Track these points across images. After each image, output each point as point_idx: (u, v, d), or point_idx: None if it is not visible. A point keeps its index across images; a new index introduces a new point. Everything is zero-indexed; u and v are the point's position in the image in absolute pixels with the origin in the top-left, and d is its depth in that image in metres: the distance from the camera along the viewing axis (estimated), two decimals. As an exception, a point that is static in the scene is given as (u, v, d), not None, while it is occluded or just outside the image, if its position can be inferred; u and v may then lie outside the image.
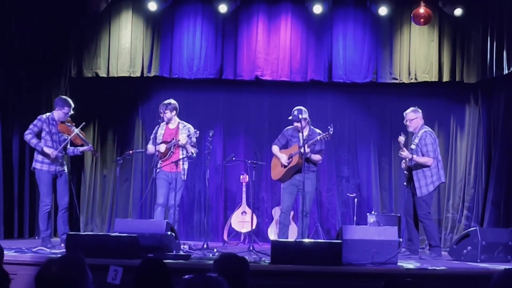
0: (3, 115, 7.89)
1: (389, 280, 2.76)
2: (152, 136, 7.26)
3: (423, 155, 6.71)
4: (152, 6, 8.09)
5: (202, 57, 8.24)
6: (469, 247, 6.36)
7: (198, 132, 7.05)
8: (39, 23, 8.02)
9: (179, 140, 6.99)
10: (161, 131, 7.17)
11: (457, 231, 8.23)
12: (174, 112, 7.12)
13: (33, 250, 6.03)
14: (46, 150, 6.77)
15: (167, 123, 7.16)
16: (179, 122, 7.21)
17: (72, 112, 6.97)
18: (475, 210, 8.26)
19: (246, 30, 8.30)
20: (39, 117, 6.91)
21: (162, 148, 7.01)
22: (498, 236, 6.52)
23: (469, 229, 6.83)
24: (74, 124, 7.04)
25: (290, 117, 6.99)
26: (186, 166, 7.16)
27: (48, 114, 6.98)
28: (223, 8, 8.08)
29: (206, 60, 8.24)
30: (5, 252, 5.81)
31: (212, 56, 8.25)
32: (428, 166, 6.69)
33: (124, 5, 8.31)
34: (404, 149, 6.75)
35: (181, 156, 7.05)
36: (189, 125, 7.20)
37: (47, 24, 8.11)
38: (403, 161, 6.96)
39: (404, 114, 6.99)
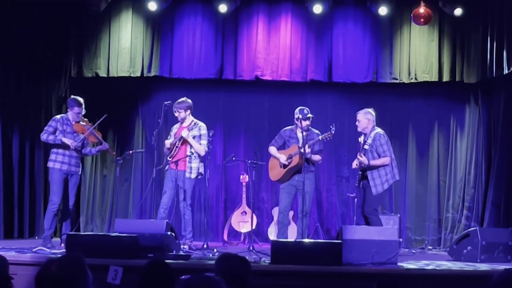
0: (3, 115, 7.89)
1: (382, 281, 2.76)
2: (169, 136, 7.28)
3: (379, 155, 6.70)
4: (152, 6, 8.08)
5: (202, 57, 8.23)
6: (469, 247, 6.36)
7: (212, 131, 6.94)
8: (39, 23, 8.03)
9: (181, 136, 6.90)
10: (175, 130, 7.19)
11: (457, 231, 8.22)
12: (188, 111, 7.02)
13: (33, 250, 6.04)
14: (65, 140, 6.80)
15: (181, 123, 7.10)
16: (192, 121, 7.10)
17: (84, 111, 7.01)
18: (475, 210, 8.25)
19: (246, 30, 8.29)
20: (53, 117, 7.03)
21: (167, 143, 7.00)
22: (498, 236, 6.52)
23: (469, 229, 6.83)
24: (90, 123, 7.10)
25: (300, 116, 6.83)
26: (194, 165, 6.97)
27: (63, 114, 7.08)
28: (223, 8, 8.07)
29: (206, 60, 8.23)
30: (5, 252, 5.87)
31: (212, 56, 8.25)
32: (386, 165, 6.69)
33: (124, 5, 8.30)
34: (362, 154, 6.70)
35: (188, 153, 6.98)
36: (201, 123, 7.08)
37: (47, 24, 8.11)
38: (355, 160, 6.85)
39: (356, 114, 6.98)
